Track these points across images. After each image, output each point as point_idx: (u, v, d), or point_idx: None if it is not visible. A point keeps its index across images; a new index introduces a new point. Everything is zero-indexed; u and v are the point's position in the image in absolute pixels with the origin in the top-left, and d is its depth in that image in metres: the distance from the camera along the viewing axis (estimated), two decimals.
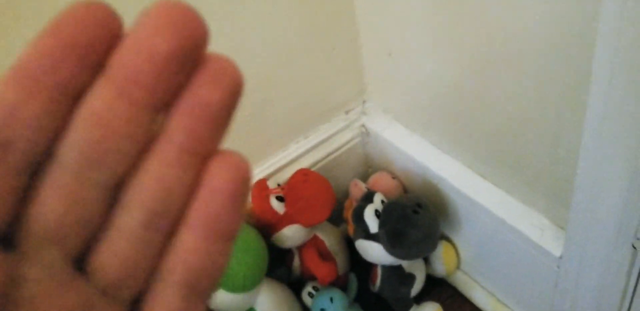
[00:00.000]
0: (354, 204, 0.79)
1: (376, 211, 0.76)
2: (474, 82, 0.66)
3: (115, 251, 0.15)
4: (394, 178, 0.87)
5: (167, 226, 0.15)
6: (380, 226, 0.74)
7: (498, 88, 0.63)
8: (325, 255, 0.80)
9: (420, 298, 0.84)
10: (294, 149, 0.84)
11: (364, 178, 0.89)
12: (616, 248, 0.58)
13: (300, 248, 0.79)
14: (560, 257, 0.67)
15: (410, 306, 0.83)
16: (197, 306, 0.16)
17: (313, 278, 0.79)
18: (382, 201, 0.77)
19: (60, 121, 0.14)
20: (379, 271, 0.81)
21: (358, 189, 0.82)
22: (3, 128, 0.14)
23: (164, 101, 0.15)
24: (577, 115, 0.55)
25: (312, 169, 0.84)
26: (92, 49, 0.14)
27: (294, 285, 0.82)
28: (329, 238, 0.81)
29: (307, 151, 0.85)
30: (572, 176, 0.56)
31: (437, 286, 0.88)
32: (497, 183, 0.74)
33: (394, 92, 0.82)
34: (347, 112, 0.88)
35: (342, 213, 0.86)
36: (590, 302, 0.67)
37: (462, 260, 0.87)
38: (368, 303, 0.84)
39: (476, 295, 0.87)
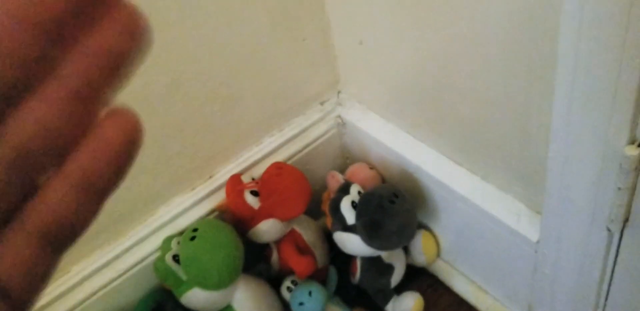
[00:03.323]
0: (332, 196, 0.78)
1: (353, 202, 0.75)
2: (443, 68, 0.65)
3: None
4: (371, 168, 0.86)
5: (39, 166, 0.15)
6: (357, 217, 0.74)
7: (466, 73, 0.63)
8: (303, 249, 0.79)
9: (401, 288, 0.83)
10: (268, 143, 0.82)
11: (342, 169, 0.88)
12: (592, 231, 0.58)
13: (278, 242, 0.78)
14: (538, 242, 0.66)
15: (390, 297, 0.82)
16: (49, 257, 0.16)
17: (292, 272, 0.78)
18: (359, 192, 0.77)
19: None
20: (358, 263, 0.80)
21: (335, 181, 0.81)
22: None
23: (63, 33, 0.14)
24: (546, 97, 0.55)
25: (289, 162, 0.83)
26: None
27: (275, 280, 0.81)
28: (306, 232, 0.80)
29: (283, 145, 0.84)
30: (545, 159, 0.55)
31: (418, 276, 0.88)
32: (472, 170, 0.74)
33: (368, 82, 0.81)
34: (322, 104, 0.87)
35: (320, 206, 0.85)
36: (569, 285, 0.67)
37: (442, 248, 0.86)
38: (349, 296, 0.84)
39: (457, 283, 0.87)
